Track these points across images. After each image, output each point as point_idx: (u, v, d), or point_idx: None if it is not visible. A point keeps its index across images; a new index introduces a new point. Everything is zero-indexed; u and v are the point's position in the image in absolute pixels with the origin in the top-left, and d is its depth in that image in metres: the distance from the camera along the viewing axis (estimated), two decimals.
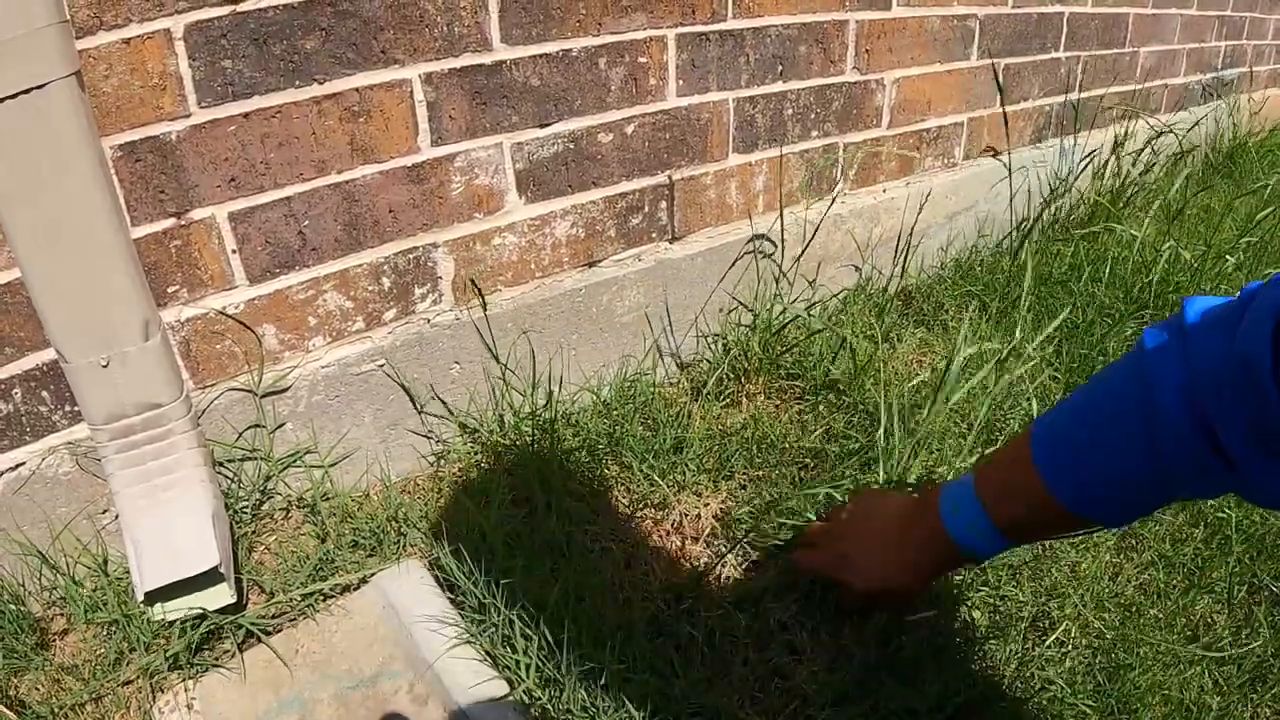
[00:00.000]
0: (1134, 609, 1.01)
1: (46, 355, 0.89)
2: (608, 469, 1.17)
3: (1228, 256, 1.79)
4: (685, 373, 1.44)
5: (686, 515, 1.12)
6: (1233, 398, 0.52)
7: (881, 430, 1.15)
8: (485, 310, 1.16)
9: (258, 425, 1.04)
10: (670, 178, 1.31)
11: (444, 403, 1.19)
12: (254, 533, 1.05)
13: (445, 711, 0.85)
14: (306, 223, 1.00)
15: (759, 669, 0.91)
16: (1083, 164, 2.05)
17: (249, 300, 0.99)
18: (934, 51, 1.62)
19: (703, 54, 1.26)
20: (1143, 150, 2.19)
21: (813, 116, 1.47)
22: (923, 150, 1.72)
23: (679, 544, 1.08)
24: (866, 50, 1.49)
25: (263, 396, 1.03)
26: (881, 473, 1.13)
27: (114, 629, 0.92)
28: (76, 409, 0.92)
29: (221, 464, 1.02)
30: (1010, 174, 1.74)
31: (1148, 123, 2.32)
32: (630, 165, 1.25)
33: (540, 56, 1.09)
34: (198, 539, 0.88)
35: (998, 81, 1.71)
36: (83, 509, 0.96)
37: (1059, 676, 0.92)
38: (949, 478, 1.16)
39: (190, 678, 0.88)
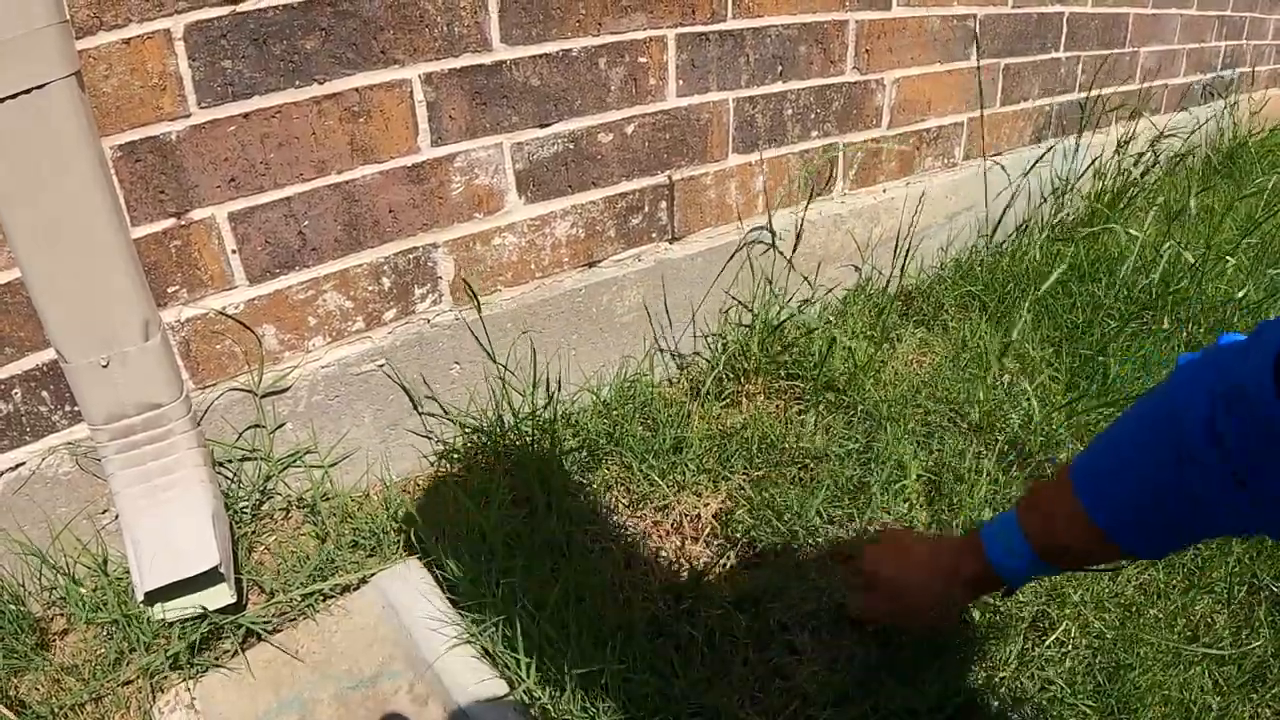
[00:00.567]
0: (1134, 609, 1.01)
1: (46, 355, 0.89)
2: (608, 469, 1.17)
3: (1228, 258, 1.79)
4: (685, 373, 1.44)
5: (686, 515, 1.12)
6: (1241, 426, 0.53)
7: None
8: (480, 313, 1.16)
9: (258, 425, 1.04)
10: (670, 178, 1.31)
11: (444, 403, 1.19)
12: (254, 533, 1.05)
13: (445, 711, 0.85)
14: (306, 223, 1.00)
15: (759, 669, 0.91)
16: (1084, 164, 2.06)
17: (249, 300, 0.99)
18: (934, 51, 1.62)
19: (703, 54, 1.26)
20: (1144, 151, 2.19)
21: (812, 116, 1.47)
22: (922, 150, 1.72)
23: (679, 544, 1.08)
24: (866, 50, 1.49)
25: (263, 396, 1.03)
26: (880, 473, 1.13)
27: (114, 629, 0.92)
28: (76, 409, 0.92)
29: (221, 464, 1.03)
30: (1010, 175, 1.74)
31: (1150, 123, 2.33)
32: (630, 165, 1.25)
33: (540, 56, 1.09)
34: (198, 539, 0.88)
35: (981, 87, 1.71)
36: (83, 509, 0.96)
37: (1059, 676, 0.92)
38: (948, 477, 1.16)
39: (190, 678, 0.88)
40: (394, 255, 1.08)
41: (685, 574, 1.02)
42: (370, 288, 1.08)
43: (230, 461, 1.03)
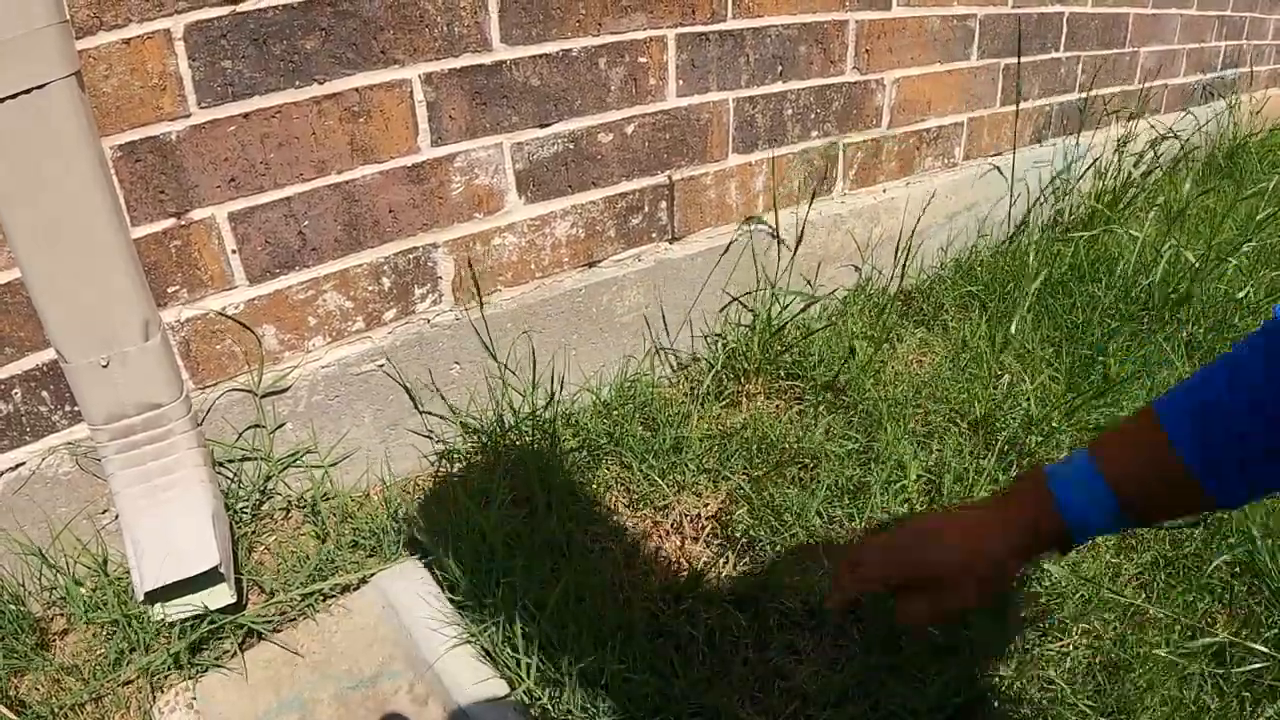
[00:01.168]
0: (1134, 609, 1.01)
1: (46, 355, 0.89)
2: (608, 469, 1.17)
3: (1229, 259, 1.79)
4: (685, 373, 1.44)
5: (686, 515, 1.12)
6: None
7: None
8: (483, 311, 1.16)
9: (258, 425, 1.04)
10: (670, 178, 1.31)
11: (445, 402, 1.19)
12: (254, 533, 1.05)
13: (445, 711, 0.85)
14: (306, 223, 1.00)
15: (759, 669, 0.91)
16: (1084, 164, 2.05)
17: (249, 300, 0.99)
18: (934, 51, 1.62)
19: (703, 54, 1.26)
20: (1144, 151, 2.19)
21: (813, 116, 1.47)
22: (923, 150, 1.72)
23: (679, 544, 1.08)
24: (866, 50, 1.49)
25: (263, 397, 1.03)
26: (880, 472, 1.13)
27: (114, 629, 0.92)
28: (76, 409, 0.92)
29: (221, 464, 1.02)
30: (1010, 175, 1.74)
31: (1149, 123, 2.32)
32: (630, 165, 1.25)
33: (540, 57, 1.09)
34: (198, 539, 0.88)
35: (1003, 84, 1.71)
36: (83, 509, 0.96)
37: (1059, 676, 0.92)
38: (948, 477, 1.16)
39: (190, 677, 0.88)
40: (394, 255, 1.08)
41: (685, 574, 1.02)
42: (370, 288, 1.08)
43: (230, 461, 1.03)
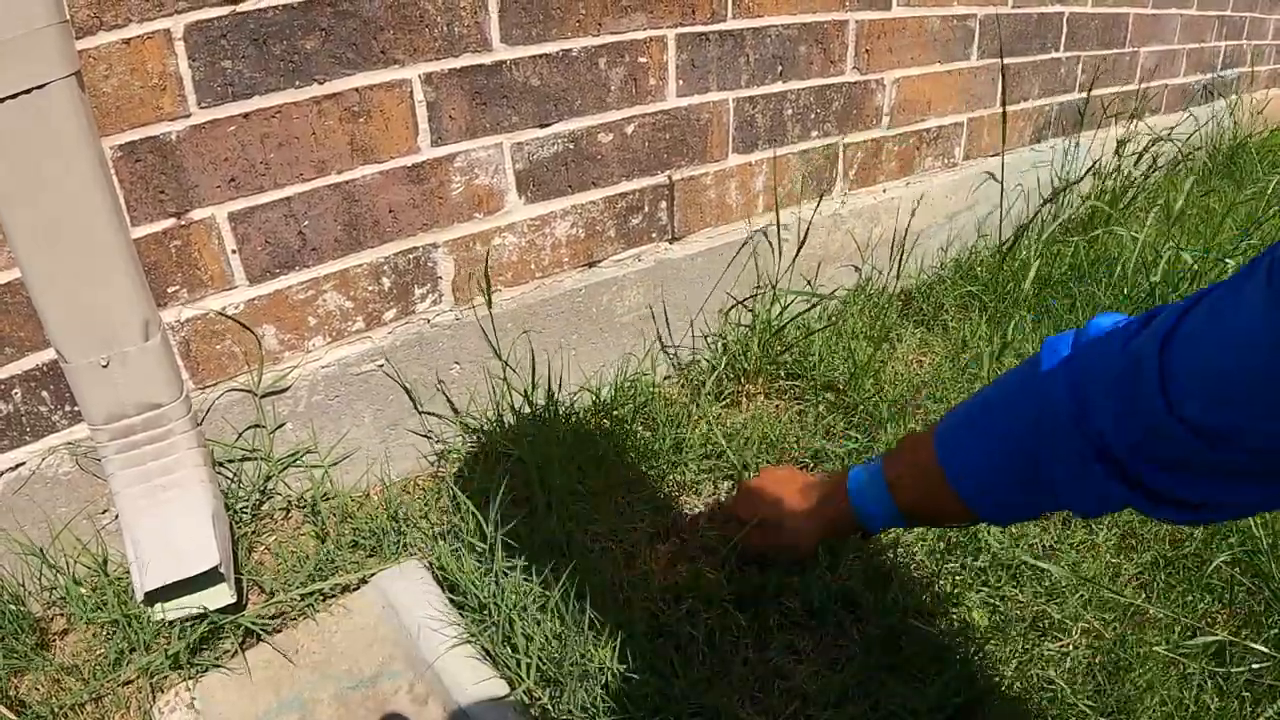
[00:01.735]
0: (1134, 609, 1.01)
1: (46, 355, 0.89)
2: (608, 469, 1.17)
3: (1228, 259, 1.79)
4: (685, 373, 1.44)
5: (686, 515, 1.12)
6: (1121, 407, 0.54)
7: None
8: (490, 308, 1.16)
9: (258, 425, 1.04)
10: (670, 178, 1.31)
11: (446, 401, 1.19)
12: (254, 533, 1.05)
13: (445, 711, 0.85)
14: (306, 223, 1.00)
15: (759, 669, 0.91)
16: (1084, 165, 2.05)
17: (249, 300, 0.99)
18: (934, 51, 1.62)
19: (703, 54, 1.26)
20: (1144, 152, 2.18)
21: (813, 116, 1.47)
22: (923, 150, 1.72)
23: (679, 544, 1.08)
24: (866, 50, 1.49)
25: (263, 397, 1.03)
26: None
27: (114, 629, 0.92)
28: (76, 409, 0.92)
29: (221, 464, 1.03)
30: (1010, 175, 1.74)
31: (1149, 123, 2.32)
32: (630, 165, 1.25)
33: (540, 56, 1.09)
34: (198, 539, 0.88)
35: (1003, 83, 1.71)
36: (83, 509, 0.96)
37: (1059, 676, 0.91)
38: None
39: (190, 678, 0.88)
40: (394, 255, 1.08)
41: (685, 574, 1.02)
42: (370, 288, 1.08)
43: (230, 461, 1.03)
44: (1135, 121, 2.31)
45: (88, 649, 0.91)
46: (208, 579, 0.88)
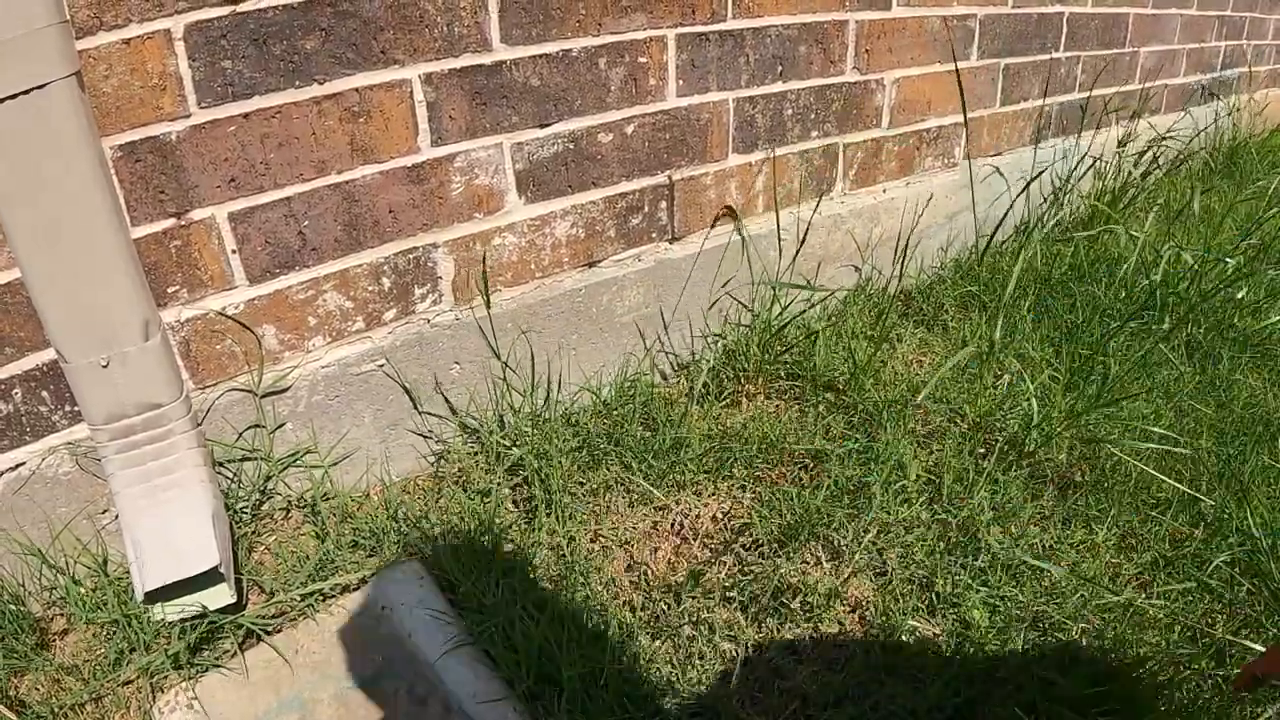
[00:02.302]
0: (1134, 609, 1.01)
1: (46, 355, 0.89)
2: (608, 469, 1.17)
3: (1228, 259, 1.79)
4: (685, 373, 1.44)
5: (686, 515, 1.12)
6: None
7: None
8: (490, 309, 1.16)
9: (258, 425, 1.04)
10: (670, 178, 1.31)
11: (445, 402, 1.19)
12: (254, 533, 1.05)
13: (445, 711, 0.85)
14: (306, 223, 1.00)
15: (759, 669, 0.91)
16: (1084, 165, 2.05)
17: (249, 300, 0.99)
18: (934, 52, 1.62)
19: (703, 54, 1.26)
20: (1144, 151, 2.18)
21: (813, 117, 1.47)
22: (923, 150, 1.72)
23: (679, 544, 1.08)
24: (866, 50, 1.49)
25: (263, 397, 1.03)
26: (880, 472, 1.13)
27: (114, 629, 0.92)
28: (76, 409, 0.92)
29: (221, 464, 1.03)
30: (1010, 175, 1.74)
31: (1149, 123, 2.32)
32: (630, 165, 1.25)
33: (540, 57, 1.09)
34: (198, 539, 0.88)
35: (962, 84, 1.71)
36: (83, 509, 0.96)
37: (1060, 676, 0.91)
38: (948, 477, 1.16)
39: (190, 677, 0.88)
40: (394, 255, 1.08)
41: (685, 574, 1.02)
42: (370, 288, 1.08)
43: (230, 461, 1.03)
44: (1135, 121, 2.31)
45: (88, 649, 0.91)
46: (208, 579, 0.88)
